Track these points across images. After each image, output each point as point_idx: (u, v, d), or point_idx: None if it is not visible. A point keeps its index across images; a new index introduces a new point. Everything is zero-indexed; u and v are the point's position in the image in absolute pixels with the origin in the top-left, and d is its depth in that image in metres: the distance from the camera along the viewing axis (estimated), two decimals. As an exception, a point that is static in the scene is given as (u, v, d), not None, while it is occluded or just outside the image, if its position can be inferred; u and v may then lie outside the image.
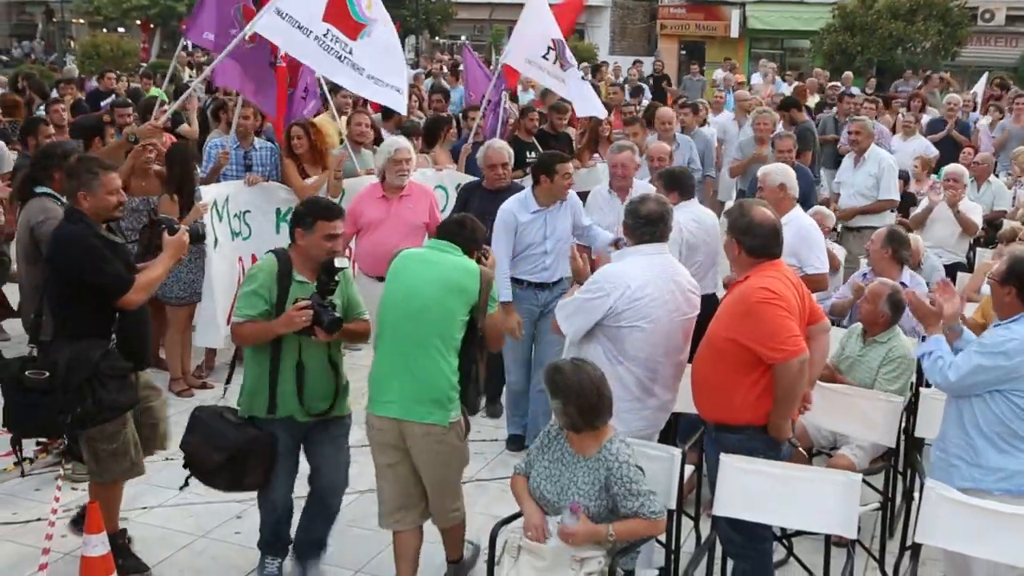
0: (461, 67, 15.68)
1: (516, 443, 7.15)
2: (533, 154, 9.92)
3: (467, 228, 4.99)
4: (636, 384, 4.97)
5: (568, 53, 10.23)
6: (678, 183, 6.73)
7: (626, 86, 18.17)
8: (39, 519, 5.74)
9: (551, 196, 6.78)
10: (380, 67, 8.30)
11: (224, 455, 4.90)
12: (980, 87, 18.69)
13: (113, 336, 4.99)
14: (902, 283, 6.48)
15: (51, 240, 5.10)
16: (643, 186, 7.45)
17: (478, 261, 4.92)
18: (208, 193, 7.91)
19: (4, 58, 33.85)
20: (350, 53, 8.02)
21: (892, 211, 9.86)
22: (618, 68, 23.66)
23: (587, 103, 10.52)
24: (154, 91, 15.15)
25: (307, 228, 4.90)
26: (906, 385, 5.87)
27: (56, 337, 4.98)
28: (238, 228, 8.23)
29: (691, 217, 6.63)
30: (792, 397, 4.57)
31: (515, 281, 6.83)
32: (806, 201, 8.18)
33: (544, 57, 10.01)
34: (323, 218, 4.91)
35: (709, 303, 5.56)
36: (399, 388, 4.70)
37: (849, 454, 5.72)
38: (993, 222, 10.07)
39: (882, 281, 6.15)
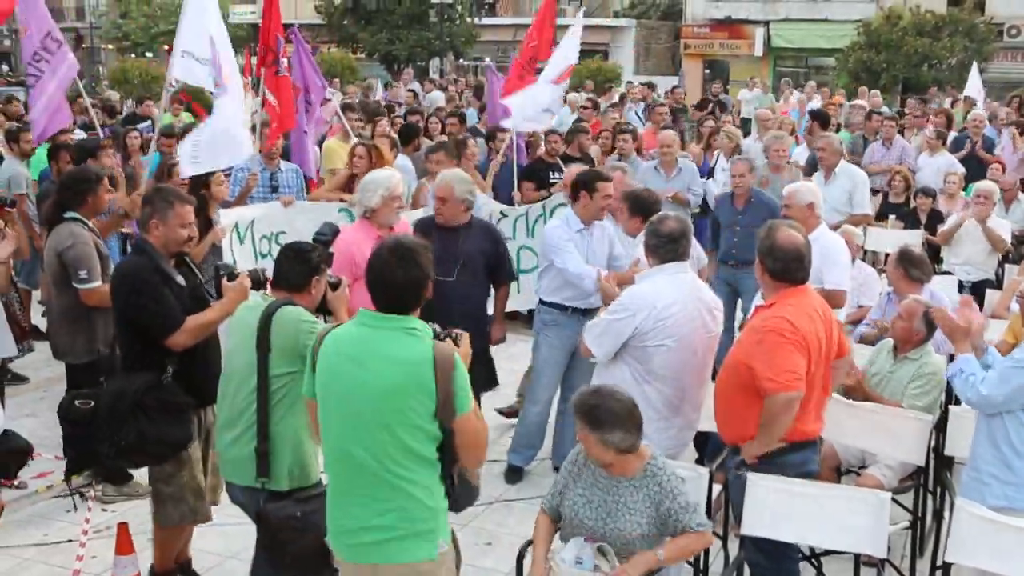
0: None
1: (515, 475, 6.88)
2: (557, 175, 9.97)
3: (399, 274, 3.63)
4: (664, 403, 4.97)
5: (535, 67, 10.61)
6: (643, 207, 6.56)
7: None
8: (70, 540, 5.78)
9: (591, 214, 6.59)
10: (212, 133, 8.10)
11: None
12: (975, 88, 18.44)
13: (169, 369, 4.85)
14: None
15: (114, 272, 5.15)
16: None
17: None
18: (228, 216, 7.91)
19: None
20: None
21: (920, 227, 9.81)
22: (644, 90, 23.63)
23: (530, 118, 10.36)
24: (184, 115, 15.37)
25: (321, 275, 4.73)
26: (935, 402, 5.82)
27: (120, 370, 5.02)
28: (267, 250, 8.24)
29: None
30: (773, 429, 4.59)
31: (558, 307, 6.65)
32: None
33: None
34: (328, 265, 4.79)
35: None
36: (364, 527, 3.69)
37: (877, 473, 5.69)
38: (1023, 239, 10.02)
39: (916, 299, 6.12)
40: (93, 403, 4.85)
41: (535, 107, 10.04)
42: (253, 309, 4.55)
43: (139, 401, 4.73)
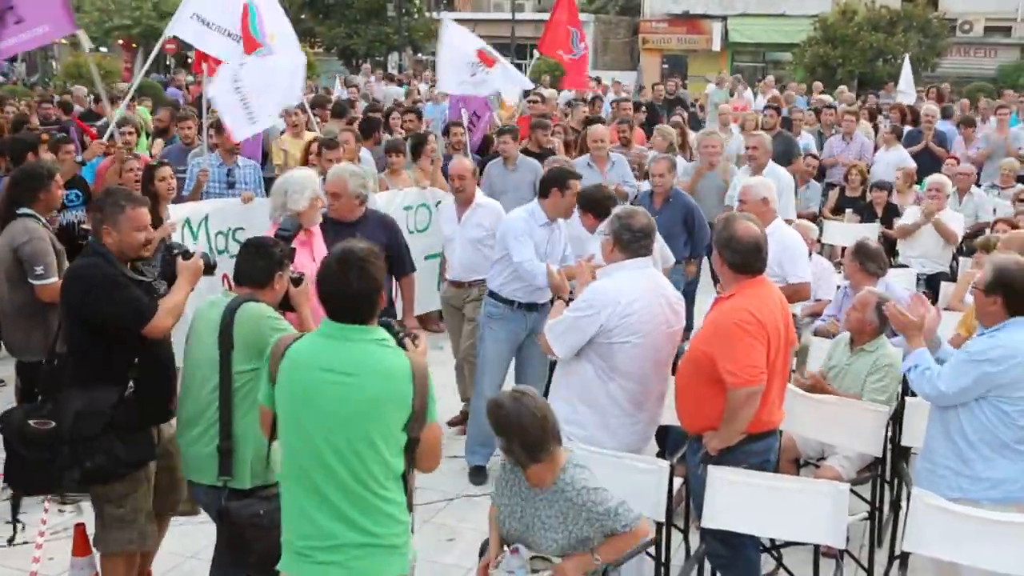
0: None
1: (480, 475, 6.81)
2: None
3: (354, 284, 3.57)
4: (628, 399, 4.98)
5: (488, 48, 10.81)
6: (594, 205, 6.54)
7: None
8: (26, 542, 5.69)
9: (560, 211, 6.64)
10: (256, 90, 8.30)
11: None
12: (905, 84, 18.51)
13: (130, 383, 4.58)
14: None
15: (65, 276, 4.79)
16: None
17: (400, 344, 3.73)
18: (178, 211, 7.81)
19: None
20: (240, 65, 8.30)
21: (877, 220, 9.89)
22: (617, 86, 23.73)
23: (513, 87, 10.95)
24: (141, 110, 15.21)
25: (284, 271, 4.69)
26: (894, 394, 5.90)
27: (69, 384, 4.55)
28: (224, 246, 8.15)
29: None
30: (734, 422, 4.63)
31: (505, 301, 6.68)
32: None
33: (472, 76, 10.55)
34: (292, 260, 4.76)
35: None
36: (340, 543, 3.59)
37: (836, 465, 5.74)
38: (976, 234, 10.13)
39: (870, 290, 6.19)
40: (54, 424, 4.43)
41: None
42: (214, 305, 4.51)
43: (111, 420, 4.47)
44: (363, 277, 3.57)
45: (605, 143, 9.95)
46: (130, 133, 10.14)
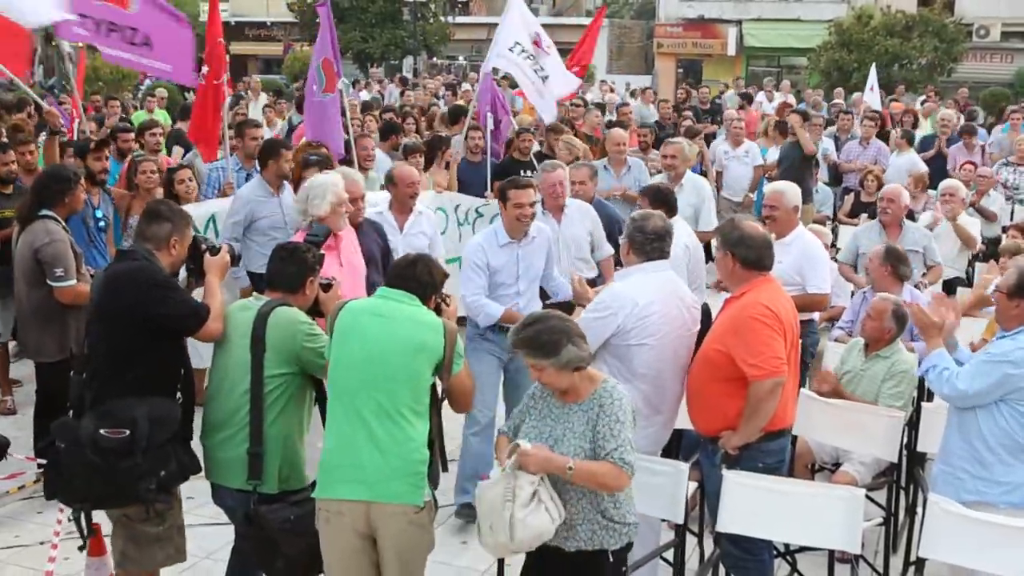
0: (464, 87, 15.75)
1: (472, 514, 5.97)
2: (529, 173, 9.97)
3: (419, 270, 4.30)
4: (644, 402, 4.96)
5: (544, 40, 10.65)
6: (665, 199, 6.52)
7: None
8: (41, 543, 5.73)
9: (509, 225, 6.17)
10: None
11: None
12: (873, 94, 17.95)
13: (179, 395, 4.52)
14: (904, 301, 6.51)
15: (110, 279, 4.48)
16: (579, 205, 7.31)
17: (436, 309, 4.33)
18: (193, 211, 7.72)
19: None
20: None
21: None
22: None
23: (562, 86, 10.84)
24: (159, 114, 15.27)
25: (316, 276, 4.76)
26: (909, 399, 5.87)
27: (121, 394, 4.33)
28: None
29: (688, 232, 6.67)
30: (759, 415, 4.62)
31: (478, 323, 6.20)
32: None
33: (510, 50, 10.36)
34: (321, 265, 4.80)
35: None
36: (366, 466, 4.04)
37: (851, 470, 5.73)
38: (994, 238, 10.10)
39: (883, 296, 6.17)
40: (128, 432, 4.25)
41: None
42: (246, 308, 4.54)
43: (177, 428, 4.42)
44: (431, 270, 4.32)
45: (624, 147, 9.94)
46: (160, 134, 10.19)
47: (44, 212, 6.12)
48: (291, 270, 4.58)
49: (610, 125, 11.67)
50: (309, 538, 4.22)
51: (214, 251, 4.77)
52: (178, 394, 4.50)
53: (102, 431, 4.23)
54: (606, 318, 4.89)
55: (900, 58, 29.25)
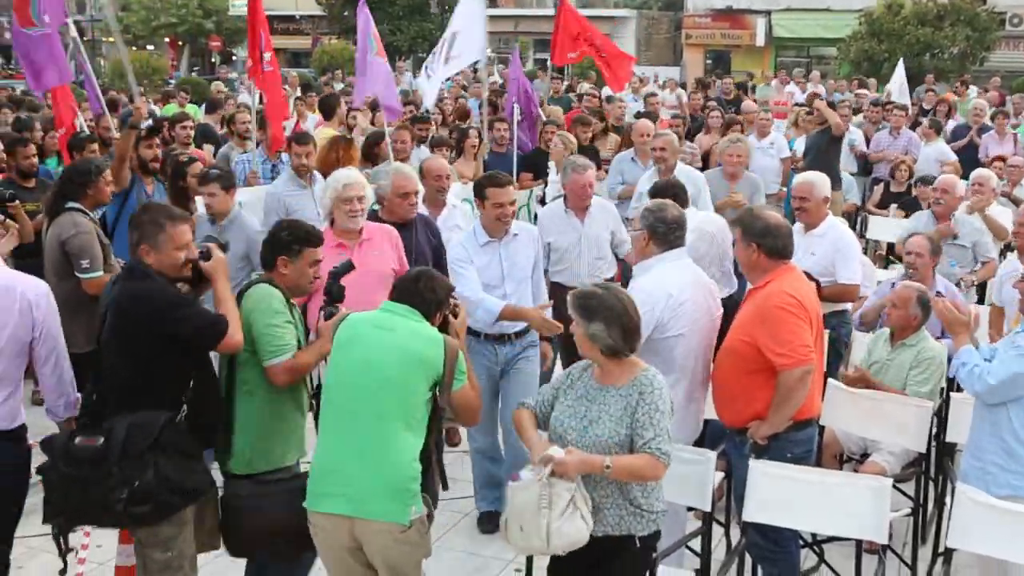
0: (491, 78, 15.75)
1: (492, 521, 5.88)
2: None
3: (421, 286, 4.19)
4: (684, 394, 4.96)
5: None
6: (674, 195, 6.32)
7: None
8: (74, 529, 5.78)
9: (488, 225, 5.83)
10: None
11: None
12: (897, 85, 17.54)
13: (184, 407, 4.25)
14: (938, 292, 6.48)
15: (117, 302, 4.29)
16: (601, 203, 7.13)
17: (443, 324, 4.23)
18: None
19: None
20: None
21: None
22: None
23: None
24: (190, 108, 15.39)
25: (293, 256, 4.51)
26: (936, 387, 5.84)
27: (118, 410, 4.18)
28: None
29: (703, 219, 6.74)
30: (788, 404, 4.62)
31: (469, 333, 5.41)
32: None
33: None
34: (309, 245, 4.55)
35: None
36: (351, 478, 3.95)
37: (880, 460, 5.71)
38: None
39: (907, 285, 6.14)
40: (103, 439, 4.05)
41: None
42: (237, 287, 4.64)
43: (159, 438, 4.10)
44: (435, 285, 4.22)
45: (649, 138, 9.87)
46: (191, 127, 10.28)
47: (70, 204, 6.19)
48: (267, 246, 4.57)
49: (640, 117, 11.60)
50: (268, 519, 4.28)
51: (205, 256, 4.43)
52: (184, 405, 4.25)
53: (76, 440, 4.09)
54: (644, 315, 4.86)
55: (931, 47, 29.01)
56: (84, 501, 4.06)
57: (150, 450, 4.06)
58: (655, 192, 6.58)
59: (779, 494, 4.56)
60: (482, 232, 5.85)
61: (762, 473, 4.60)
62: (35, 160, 7.90)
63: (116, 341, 4.28)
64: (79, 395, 4.58)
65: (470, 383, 4.19)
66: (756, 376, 4.66)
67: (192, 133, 10.50)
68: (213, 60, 41.40)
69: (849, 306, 6.70)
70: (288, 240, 4.52)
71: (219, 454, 4.48)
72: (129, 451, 4.03)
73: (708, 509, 4.71)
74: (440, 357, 4.03)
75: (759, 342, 4.61)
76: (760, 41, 37.80)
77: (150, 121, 7.50)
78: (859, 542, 4.74)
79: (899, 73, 17.67)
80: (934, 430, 5.73)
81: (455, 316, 4.30)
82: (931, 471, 5.95)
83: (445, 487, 4.30)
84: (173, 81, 24.20)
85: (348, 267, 4.67)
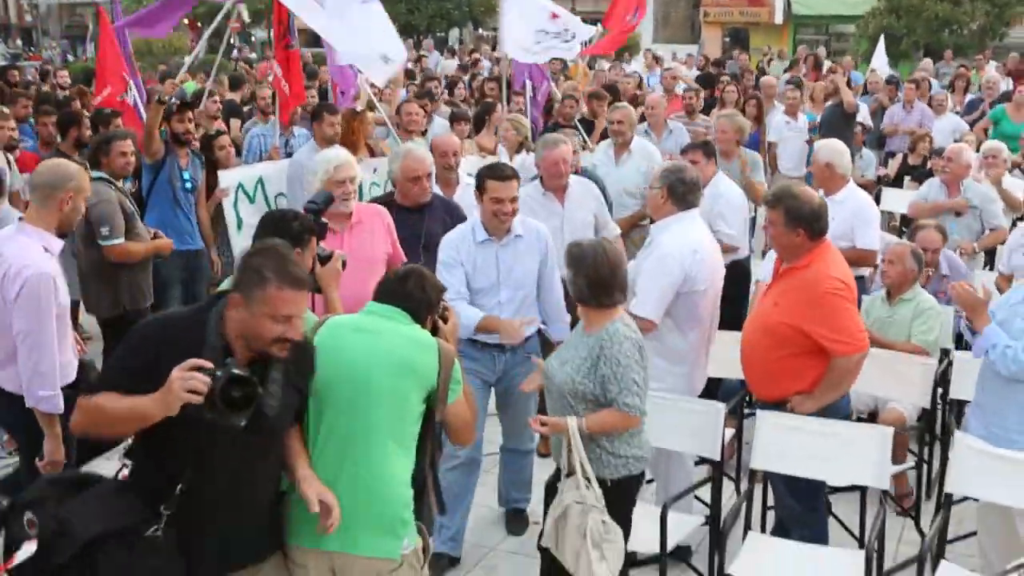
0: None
1: (518, 520, 5.73)
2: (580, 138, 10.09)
3: (410, 286, 3.71)
4: (701, 346, 5.22)
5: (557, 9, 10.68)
6: (713, 151, 6.99)
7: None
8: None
9: (487, 221, 5.25)
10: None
11: None
12: (880, 60, 17.55)
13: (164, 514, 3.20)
14: (943, 275, 6.80)
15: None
16: (580, 181, 6.61)
17: (433, 328, 3.78)
18: (229, 176, 7.77)
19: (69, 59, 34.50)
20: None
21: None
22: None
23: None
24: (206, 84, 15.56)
25: (304, 247, 4.16)
26: (939, 336, 6.05)
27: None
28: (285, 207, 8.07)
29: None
30: (841, 387, 4.76)
31: (469, 342, 5.18)
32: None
33: (538, 43, 10.32)
34: (316, 236, 4.29)
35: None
36: (339, 503, 3.43)
37: (899, 407, 5.87)
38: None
39: (900, 242, 6.31)
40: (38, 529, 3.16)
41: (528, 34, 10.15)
42: None
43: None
44: (425, 284, 3.76)
45: (656, 111, 9.96)
46: (218, 101, 10.54)
47: (96, 174, 6.40)
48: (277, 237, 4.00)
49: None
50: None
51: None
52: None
53: (25, 516, 3.22)
54: (673, 272, 5.00)
55: (950, 23, 28.84)
56: None
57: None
58: (694, 147, 6.98)
59: (784, 443, 4.72)
60: (480, 228, 5.27)
61: (769, 423, 4.78)
62: (52, 129, 8.40)
63: None
64: (59, 399, 4.47)
65: (465, 395, 3.78)
66: (802, 359, 4.70)
67: (219, 106, 10.75)
68: (232, 40, 41.51)
69: (867, 271, 6.86)
70: (299, 230, 4.15)
71: None
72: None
73: (717, 458, 4.88)
74: (434, 364, 3.59)
75: (807, 327, 4.63)
76: (779, 19, 37.59)
77: (175, 100, 7.71)
78: (863, 491, 4.92)
79: (880, 49, 17.81)
80: (938, 388, 5.89)
81: (445, 321, 3.86)
82: (937, 428, 6.12)
83: (442, 511, 3.87)
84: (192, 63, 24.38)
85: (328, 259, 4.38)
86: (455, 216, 5.91)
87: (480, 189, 5.23)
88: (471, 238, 5.23)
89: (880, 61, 17.64)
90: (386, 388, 3.51)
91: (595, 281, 4.17)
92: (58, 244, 4.67)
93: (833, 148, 6.93)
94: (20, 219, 4.85)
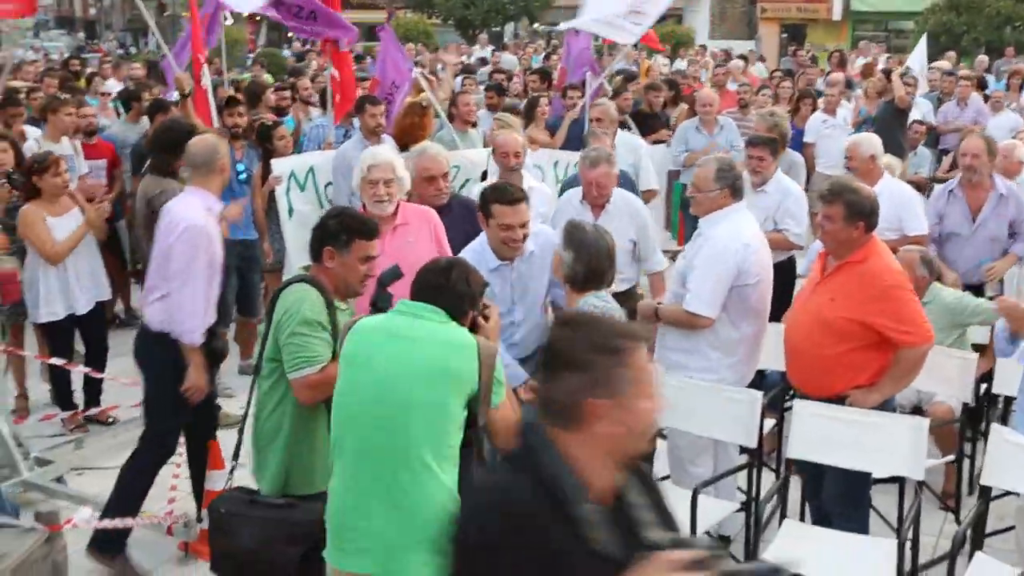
0: (561, 50, 15.89)
1: None
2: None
3: (454, 278, 3.49)
4: (754, 338, 5.26)
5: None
6: (775, 142, 7.06)
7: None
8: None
9: (495, 246, 4.94)
10: None
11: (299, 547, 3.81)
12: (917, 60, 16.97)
13: None
14: (1000, 195, 6.88)
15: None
16: (627, 201, 6.19)
17: (472, 324, 3.55)
18: (281, 165, 7.92)
19: (131, 51, 35.14)
20: None
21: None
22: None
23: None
24: (267, 77, 15.86)
25: (341, 248, 4.03)
26: (965, 332, 6.12)
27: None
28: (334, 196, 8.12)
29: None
30: (907, 378, 4.83)
31: None
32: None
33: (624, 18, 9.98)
34: (360, 236, 4.06)
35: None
36: (377, 527, 3.34)
37: (947, 400, 5.89)
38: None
39: (907, 249, 6.24)
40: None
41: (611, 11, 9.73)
42: None
43: None
44: (469, 279, 3.55)
45: (710, 108, 10.05)
46: (284, 99, 10.73)
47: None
48: (314, 235, 4.11)
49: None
50: (233, 543, 3.88)
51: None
52: None
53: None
54: (728, 264, 5.05)
55: (1012, 20, 28.40)
56: None
57: None
58: (757, 140, 7.01)
59: (821, 432, 4.77)
60: (491, 255, 4.94)
61: (805, 412, 4.83)
62: (93, 120, 9.10)
63: None
64: (198, 333, 5.13)
65: (508, 397, 3.57)
66: (863, 352, 4.73)
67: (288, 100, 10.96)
68: (289, 35, 41.92)
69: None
70: (336, 229, 4.02)
71: (255, 469, 4.21)
72: None
73: (754, 445, 4.96)
74: (474, 366, 3.36)
75: (872, 320, 4.66)
76: (837, 15, 37.25)
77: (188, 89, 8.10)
78: (902, 482, 4.95)
79: (920, 47, 17.47)
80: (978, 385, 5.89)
81: (486, 319, 3.65)
82: (979, 422, 6.12)
83: None
84: (252, 56, 24.75)
85: (396, 274, 3.97)
86: (478, 224, 5.23)
87: (486, 214, 4.88)
88: (484, 265, 4.69)
89: (917, 60, 17.33)
90: (424, 401, 3.31)
91: (592, 270, 4.39)
92: (219, 205, 5.32)
93: (873, 141, 7.12)
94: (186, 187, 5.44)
